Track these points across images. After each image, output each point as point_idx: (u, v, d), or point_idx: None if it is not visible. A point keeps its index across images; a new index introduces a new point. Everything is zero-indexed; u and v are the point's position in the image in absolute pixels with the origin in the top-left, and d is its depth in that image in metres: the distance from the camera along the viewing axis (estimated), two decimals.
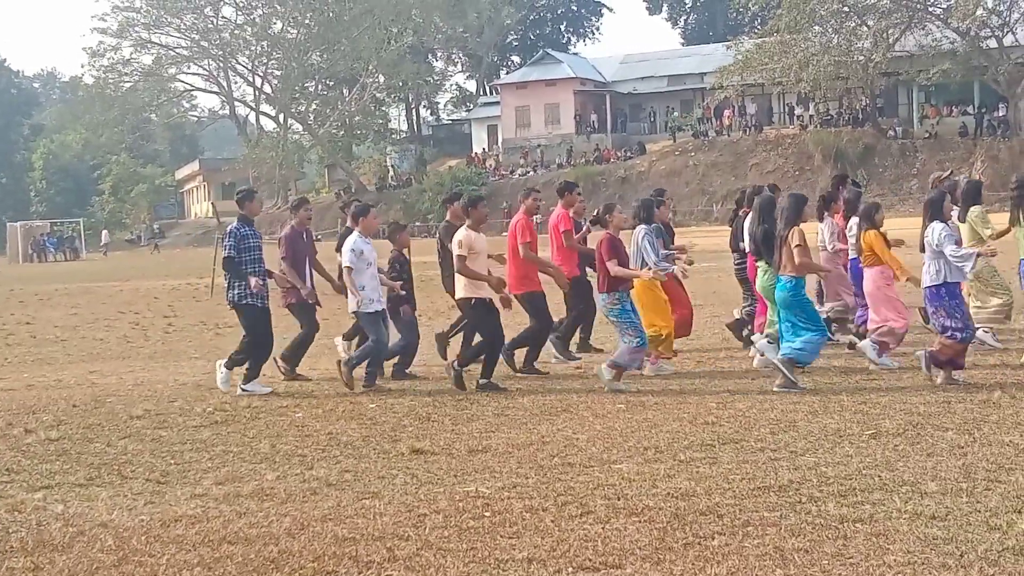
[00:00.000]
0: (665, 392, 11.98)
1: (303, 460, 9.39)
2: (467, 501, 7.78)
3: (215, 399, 12.78)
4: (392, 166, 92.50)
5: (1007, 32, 64.24)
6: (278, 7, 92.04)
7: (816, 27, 67.36)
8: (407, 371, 13.90)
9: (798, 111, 74.23)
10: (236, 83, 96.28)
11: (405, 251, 14.01)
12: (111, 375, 15.68)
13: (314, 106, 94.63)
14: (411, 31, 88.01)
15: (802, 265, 11.79)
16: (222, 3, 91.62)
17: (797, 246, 11.71)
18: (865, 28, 66.54)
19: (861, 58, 66.03)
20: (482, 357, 12.84)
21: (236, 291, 13.09)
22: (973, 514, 6.91)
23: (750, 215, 13.55)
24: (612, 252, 12.17)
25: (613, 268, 12.11)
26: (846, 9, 66.46)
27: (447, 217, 15.05)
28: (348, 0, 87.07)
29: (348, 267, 12.90)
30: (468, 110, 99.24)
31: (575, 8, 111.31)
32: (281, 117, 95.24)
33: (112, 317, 26.01)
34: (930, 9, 65.19)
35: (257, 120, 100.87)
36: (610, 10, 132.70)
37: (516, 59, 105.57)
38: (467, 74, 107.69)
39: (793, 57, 65.99)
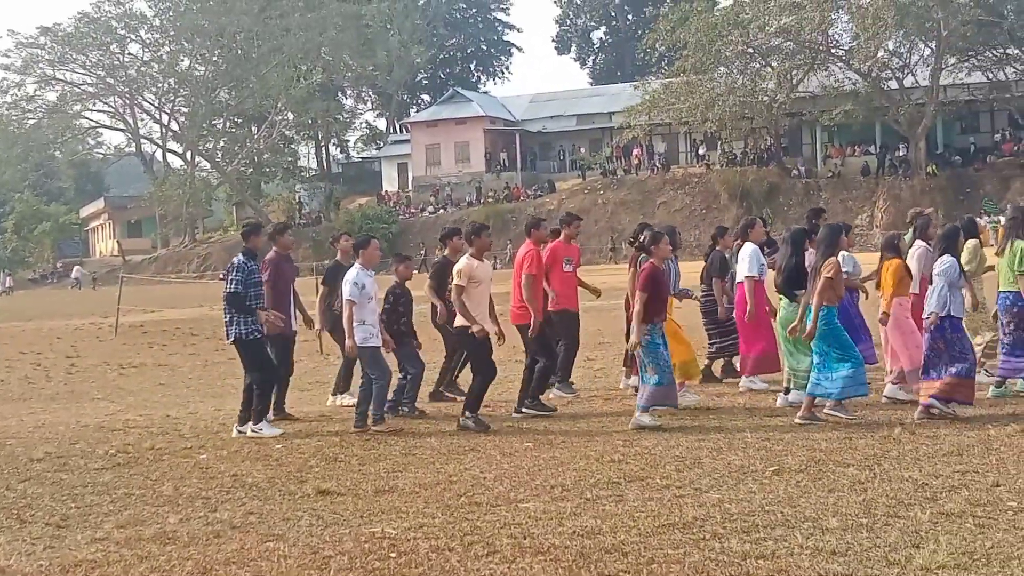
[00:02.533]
0: (572, 430, 12.01)
1: (207, 502, 9.27)
2: (373, 542, 7.73)
3: (117, 441, 12.58)
4: (301, 203, 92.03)
5: (907, 73, 65.75)
6: (185, 44, 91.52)
7: (722, 68, 68.39)
8: (416, 405, 13.57)
9: (701, 151, 75.23)
10: (143, 120, 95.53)
11: (407, 283, 13.80)
12: (11, 417, 15.37)
13: (222, 143, 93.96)
14: (320, 69, 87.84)
15: (834, 289, 11.73)
16: (128, 40, 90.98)
17: (828, 278, 11.55)
18: (769, 69, 67.71)
19: (766, 99, 67.15)
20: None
21: (241, 327, 12.54)
22: (873, 549, 7.02)
23: (780, 249, 13.23)
24: (649, 284, 11.89)
25: (640, 300, 11.82)
26: (751, 51, 67.58)
27: (445, 252, 14.73)
28: (257, 38, 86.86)
29: (351, 300, 12.40)
30: (378, 148, 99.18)
31: (485, 47, 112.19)
32: (188, 154, 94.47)
33: (13, 358, 25.54)
34: (832, 51, 66.51)
35: (164, 157, 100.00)
36: (519, 50, 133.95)
37: (426, 97, 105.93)
38: (377, 112, 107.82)
39: (699, 97, 66.90)
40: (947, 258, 11.76)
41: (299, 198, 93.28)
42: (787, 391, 12.93)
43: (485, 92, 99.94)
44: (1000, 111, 69.12)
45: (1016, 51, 63.15)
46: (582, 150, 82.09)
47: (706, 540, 7.39)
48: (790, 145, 73.84)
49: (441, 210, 78.05)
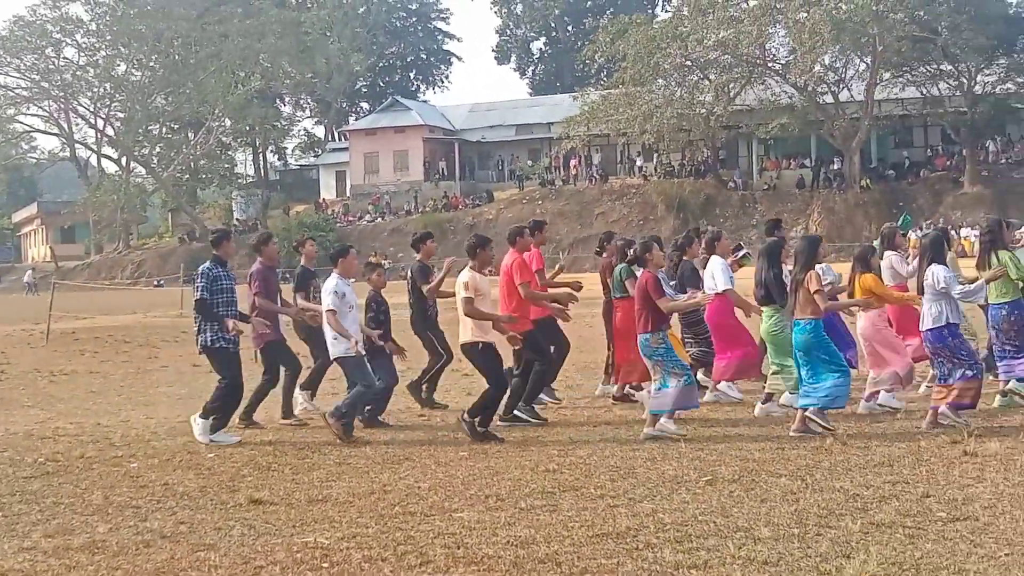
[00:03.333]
0: (507, 440, 11.99)
1: (137, 512, 9.15)
2: (305, 552, 7.67)
3: (47, 449, 12.40)
4: (238, 211, 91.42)
5: (843, 88, 66.47)
6: (122, 49, 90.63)
7: (660, 80, 68.79)
8: (380, 418, 13.37)
9: (639, 162, 75.66)
10: (77, 125, 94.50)
11: (382, 292, 13.66)
12: None
13: (158, 149, 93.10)
14: (259, 75, 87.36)
15: (828, 308, 11.83)
16: (64, 44, 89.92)
17: (816, 291, 11.58)
18: (707, 82, 68.18)
19: (703, 111, 67.61)
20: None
21: (209, 335, 12.43)
22: (804, 559, 7.06)
23: (759, 261, 13.18)
24: (659, 290, 11.85)
25: (666, 304, 11.77)
26: (689, 63, 68.03)
27: (419, 257, 14.86)
28: (194, 43, 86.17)
29: (332, 310, 12.35)
30: (316, 156, 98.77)
31: (424, 56, 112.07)
32: (124, 160, 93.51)
33: None
34: (769, 65, 67.09)
35: (99, 163, 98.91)
36: (459, 59, 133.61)
37: (365, 105, 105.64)
38: (316, 119, 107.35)
39: (638, 109, 67.24)
40: (936, 268, 11.77)
41: (235, 205, 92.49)
42: (767, 399, 13.04)
43: (424, 101, 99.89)
44: (933, 126, 70.10)
45: (949, 67, 64.01)
46: (521, 160, 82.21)
47: (639, 550, 7.40)
48: (727, 157, 74.48)
49: (379, 218, 77.83)
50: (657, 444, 11.29)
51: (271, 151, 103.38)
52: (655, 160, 74.68)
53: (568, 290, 14.20)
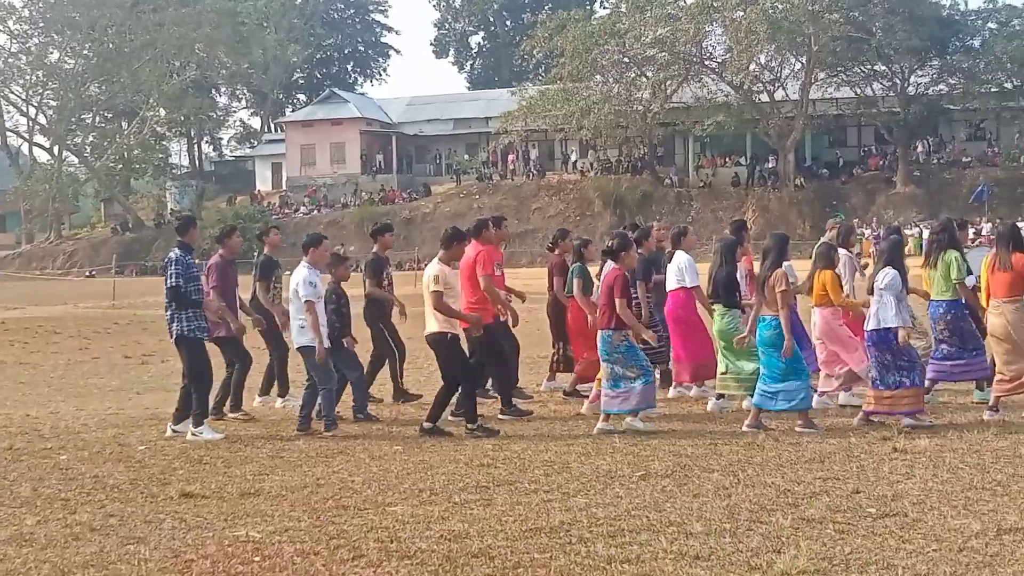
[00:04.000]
0: (442, 435, 11.98)
1: (66, 504, 9.05)
2: (236, 546, 7.63)
3: None
4: (172, 201, 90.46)
5: (778, 87, 66.94)
6: (55, 36, 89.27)
7: (598, 76, 68.88)
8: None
9: (574, 158, 75.84)
10: (9, 113, 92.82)
11: (343, 284, 13.45)
12: None
13: (91, 138, 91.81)
14: (194, 65, 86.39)
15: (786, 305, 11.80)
16: None
17: (782, 291, 11.61)
18: (644, 79, 68.38)
19: (640, 108, 67.85)
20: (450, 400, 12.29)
21: (184, 324, 12.17)
22: (735, 554, 7.12)
23: (714, 258, 13.36)
24: (625, 291, 11.79)
25: (623, 309, 11.67)
26: (626, 60, 68.21)
27: (374, 249, 14.77)
28: (129, 32, 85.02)
29: (310, 301, 12.18)
30: (252, 147, 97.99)
31: (362, 49, 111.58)
32: (56, 149, 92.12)
33: None
34: (706, 63, 67.42)
35: (30, 151, 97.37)
36: (397, 52, 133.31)
37: (302, 97, 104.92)
38: (252, 111, 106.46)
39: (575, 105, 67.29)
40: (890, 270, 11.82)
41: (169, 196, 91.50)
42: (720, 396, 13.11)
43: (362, 93, 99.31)
44: (867, 126, 70.83)
45: (883, 68, 64.72)
46: (459, 154, 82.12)
47: (572, 544, 7.43)
48: (664, 154, 74.73)
49: (316, 211, 77.40)
50: (591, 439, 11.34)
51: (206, 142, 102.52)
52: (592, 156, 74.87)
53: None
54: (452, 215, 70.59)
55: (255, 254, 14.87)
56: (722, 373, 13.11)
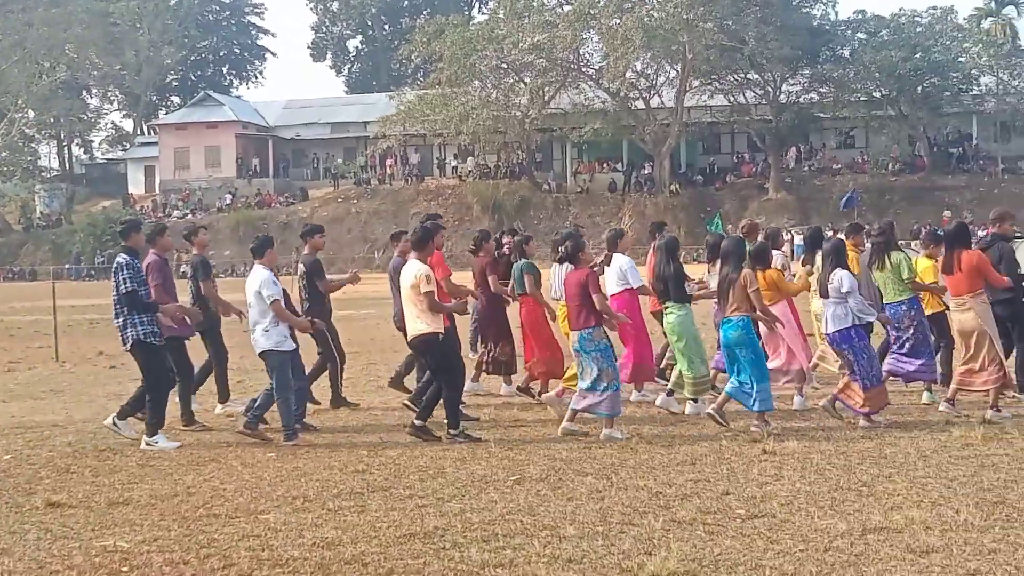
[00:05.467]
0: (316, 442, 11.88)
1: None
2: (104, 556, 7.48)
3: None
4: (42, 204, 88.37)
5: (654, 94, 67.83)
6: None
7: (476, 82, 69.09)
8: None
9: (454, 163, 75.90)
10: None
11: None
12: None
13: None
14: (64, 66, 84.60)
15: (763, 309, 11.98)
16: None
17: (755, 290, 11.79)
18: (522, 85, 68.75)
19: (518, 113, 68.19)
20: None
21: (140, 329, 11.75)
22: (607, 557, 7.18)
23: (657, 256, 13.33)
24: (599, 287, 11.80)
25: (601, 302, 11.63)
26: (504, 66, 68.51)
27: (306, 250, 14.45)
28: None
29: (277, 299, 11.79)
30: (124, 150, 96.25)
31: (238, 51, 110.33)
32: None
33: None
34: (583, 70, 68.03)
35: None
36: (274, 55, 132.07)
37: (176, 99, 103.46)
38: (124, 113, 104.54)
39: (454, 110, 67.40)
40: (840, 271, 12.06)
41: (38, 199, 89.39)
42: (670, 393, 13.17)
43: (238, 96, 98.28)
44: (740, 133, 72.10)
45: (756, 76, 65.98)
46: (336, 159, 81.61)
47: (446, 549, 7.43)
48: (542, 160, 75.28)
49: (190, 214, 76.26)
50: (467, 444, 11.33)
51: (77, 144, 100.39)
52: (471, 161, 75.01)
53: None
54: (330, 220, 70.20)
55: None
56: (678, 373, 13.14)
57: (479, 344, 15.81)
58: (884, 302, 13.46)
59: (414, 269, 11.78)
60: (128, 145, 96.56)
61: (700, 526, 7.88)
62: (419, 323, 11.74)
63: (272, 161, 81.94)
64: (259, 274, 12.02)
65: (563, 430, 11.76)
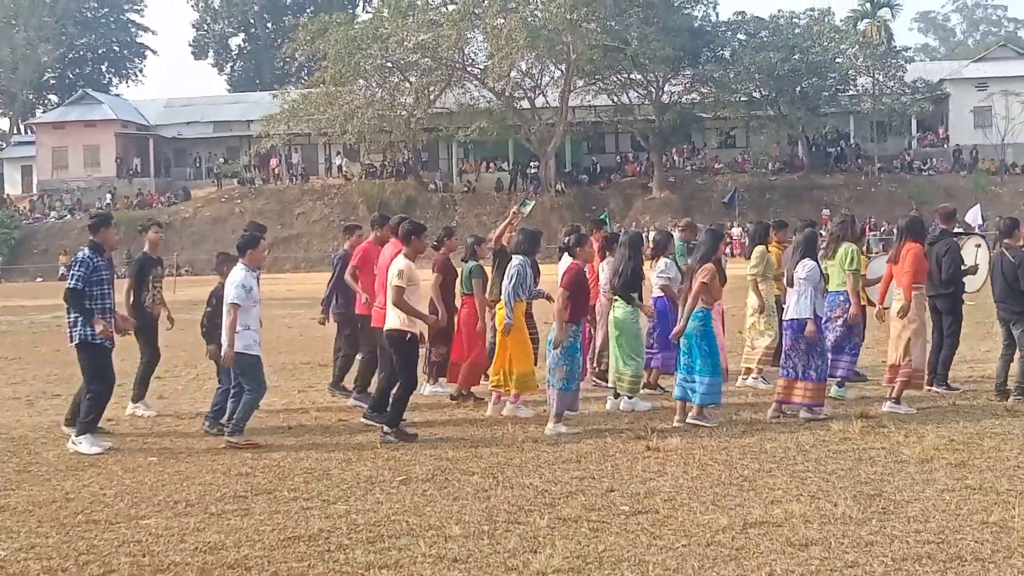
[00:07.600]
0: (199, 446, 11.72)
1: None
2: None
3: None
4: None
5: (539, 94, 68.20)
6: None
7: (361, 81, 68.80)
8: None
9: (339, 162, 75.47)
10: None
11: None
12: None
13: None
14: None
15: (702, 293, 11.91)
16: None
17: (702, 283, 11.77)
18: (408, 84, 68.66)
19: (404, 113, 68.08)
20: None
21: (87, 329, 11.24)
22: (492, 555, 7.21)
23: (618, 252, 13.29)
24: (569, 283, 11.78)
25: (560, 300, 11.65)
26: (389, 65, 68.31)
27: (145, 248, 14.11)
28: None
29: (235, 304, 11.32)
30: (0, 149, 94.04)
31: (117, 48, 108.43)
32: None
33: None
34: (468, 69, 68.13)
35: None
36: (154, 52, 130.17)
37: (54, 98, 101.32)
38: (0, 111, 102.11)
39: (339, 109, 67.04)
40: (808, 262, 12.24)
41: None
42: (616, 395, 13.16)
43: (117, 95, 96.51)
44: (624, 133, 72.83)
45: (639, 76, 66.66)
46: (219, 158, 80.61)
47: (331, 552, 7.39)
48: (428, 159, 75.27)
49: (68, 215, 74.74)
50: (352, 445, 11.28)
51: None
52: (357, 161, 74.65)
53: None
54: (213, 220, 69.44)
55: None
56: (617, 371, 13.15)
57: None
58: (827, 289, 13.55)
59: (396, 263, 11.69)
60: (4, 144, 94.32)
61: (585, 523, 7.94)
62: (393, 317, 11.62)
63: (153, 160, 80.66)
64: (235, 274, 11.66)
65: (555, 432, 11.69)
